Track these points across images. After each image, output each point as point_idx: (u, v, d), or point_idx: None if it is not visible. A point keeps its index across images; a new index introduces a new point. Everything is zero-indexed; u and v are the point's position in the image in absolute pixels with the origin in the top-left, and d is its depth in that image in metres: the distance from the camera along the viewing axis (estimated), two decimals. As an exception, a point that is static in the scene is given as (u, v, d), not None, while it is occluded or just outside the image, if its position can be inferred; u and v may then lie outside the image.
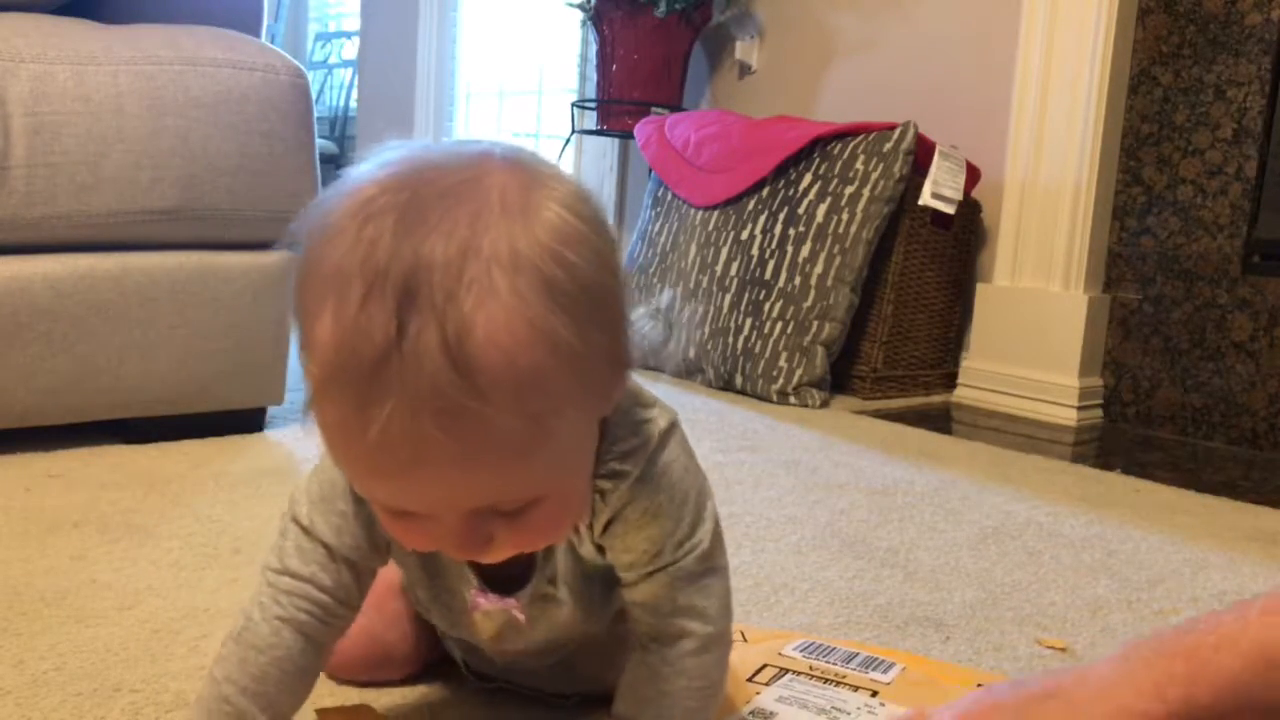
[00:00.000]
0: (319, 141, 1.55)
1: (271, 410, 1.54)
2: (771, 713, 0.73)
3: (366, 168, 0.48)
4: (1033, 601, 1.04)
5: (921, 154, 2.06)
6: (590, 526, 0.60)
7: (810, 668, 0.80)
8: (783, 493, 1.38)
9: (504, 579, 0.62)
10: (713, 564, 0.62)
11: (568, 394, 0.47)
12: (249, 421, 1.50)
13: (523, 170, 0.48)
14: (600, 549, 0.61)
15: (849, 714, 0.73)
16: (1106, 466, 1.68)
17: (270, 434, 1.51)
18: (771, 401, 2.01)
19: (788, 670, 0.79)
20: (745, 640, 0.85)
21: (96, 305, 1.33)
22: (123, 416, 1.40)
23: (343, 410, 0.45)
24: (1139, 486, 1.55)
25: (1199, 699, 0.49)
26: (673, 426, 0.61)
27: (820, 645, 0.84)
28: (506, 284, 0.44)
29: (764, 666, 0.79)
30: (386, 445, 0.44)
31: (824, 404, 2.01)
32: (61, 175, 1.29)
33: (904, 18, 2.39)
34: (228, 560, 1.02)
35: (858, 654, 0.83)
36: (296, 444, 1.47)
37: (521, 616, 0.63)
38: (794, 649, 0.83)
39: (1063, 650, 0.93)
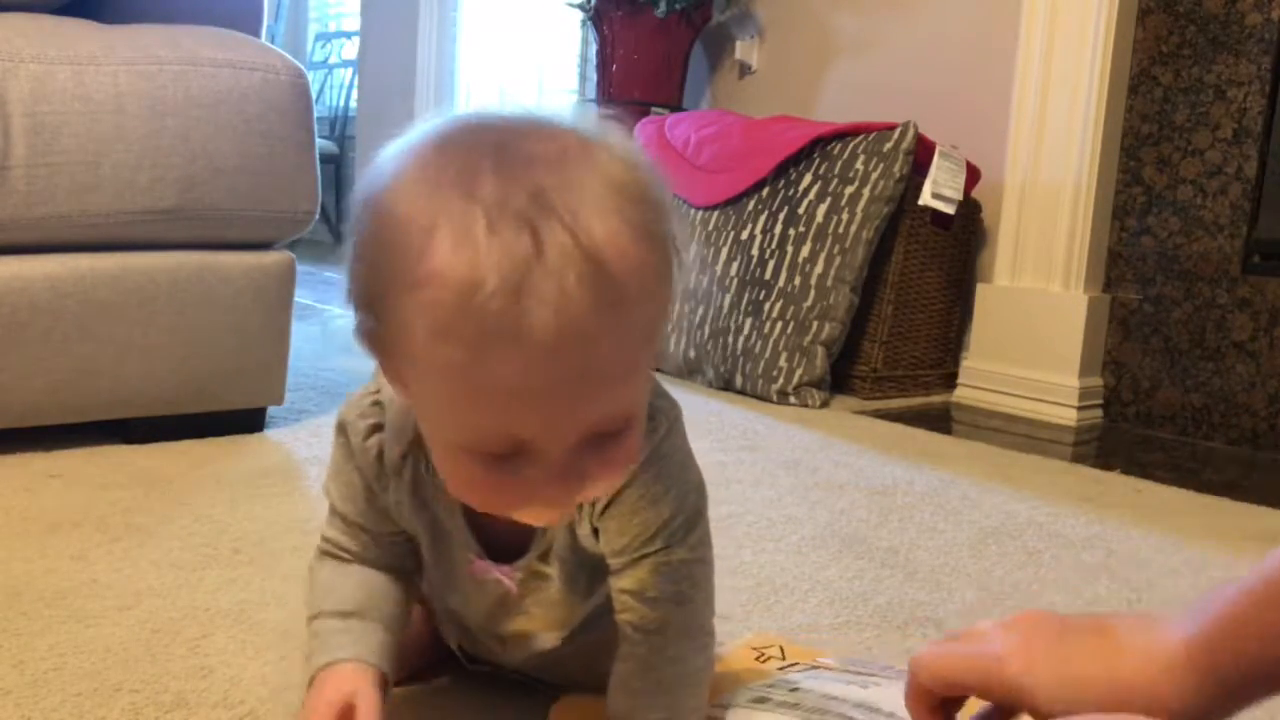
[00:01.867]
0: (319, 141, 1.55)
1: (271, 410, 1.54)
2: (797, 683, 0.72)
3: (430, 124, 0.50)
4: (1033, 601, 1.04)
5: (921, 154, 2.06)
6: (592, 505, 0.61)
7: (844, 669, 0.79)
8: (783, 493, 1.38)
9: (502, 552, 0.65)
10: (701, 556, 0.63)
11: (663, 311, 0.50)
12: (249, 421, 1.50)
13: (587, 126, 0.51)
14: (596, 532, 0.62)
15: (878, 682, 0.73)
16: (1106, 466, 1.68)
17: (270, 434, 1.51)
18: (771, 401, 2.01)
19: (822, 668, 0.78)
20: (784, 655, 0.84)
21: (96, 305, 1.33)
22: (123, 416, 1.40)
23: (485, 333, 0.45)
24: (1139, 486, 1.55)
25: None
26: (678, 419, 0.63)
27: (858, 660, 0.83)
28: (614, 204, 0.47)
29: (795, 663, 0.79)
30: (550, 355, 0.45)
31: (824, 404, 2.01)
32: (61, 175, 1.29)
33: (904, 18, 2.39)
34: (228, 560, 1.02)
35: (894, 667, 0.82)
36: (296, 444, 1.47)
37: (513, 585, 0.64)
38: (830, 660, 0.82)
39: (1063, 650, 0.93)
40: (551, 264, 0.44)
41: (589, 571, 0.65)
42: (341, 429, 0.65)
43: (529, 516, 0.54)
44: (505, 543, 0.64)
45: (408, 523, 0.65)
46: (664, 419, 0.61)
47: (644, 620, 0.62)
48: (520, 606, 0.66)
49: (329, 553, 0.68)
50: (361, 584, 0.66)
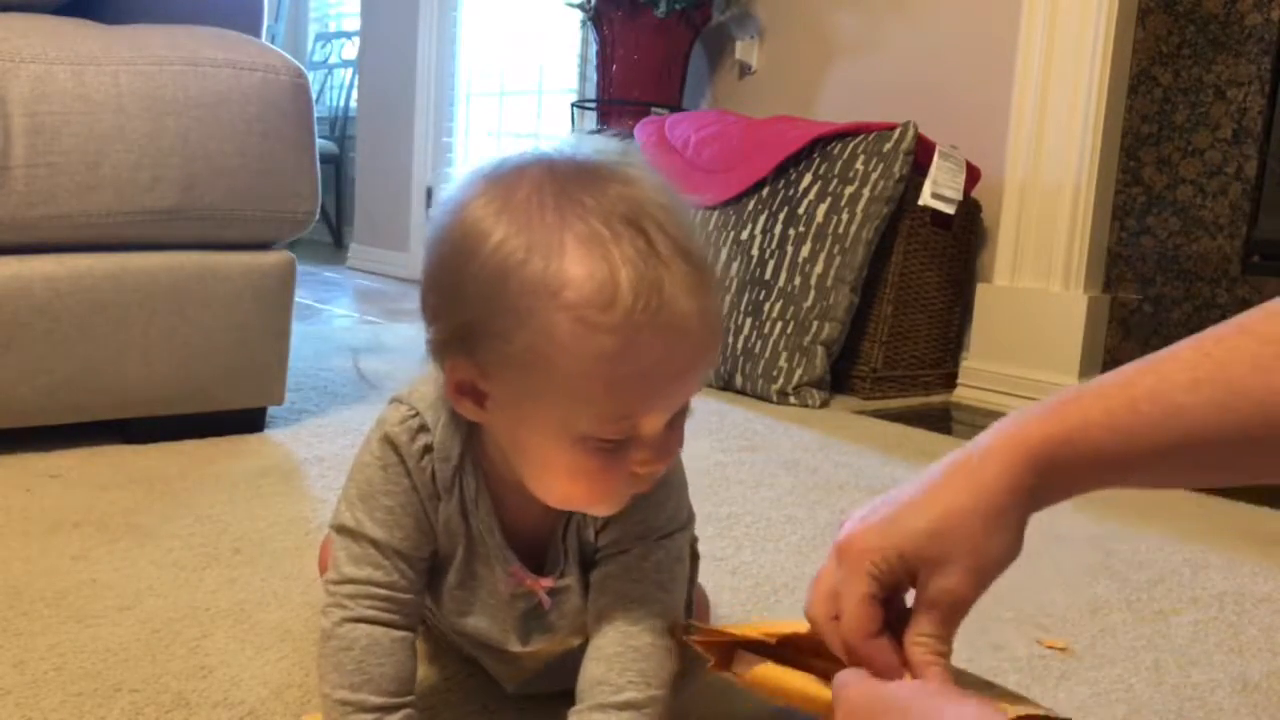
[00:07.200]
0: (319, 141, 1.55)
1: (271, 410, 1.54)
2: None
3: (483, 166, 0.58)
4: (1033, 601, 1.04)
5: (921, 154, 2.06)
6: None
7: None
8: (783, 493, 1.38)
9: (530, 563, 0.68)
10: (679, 557, 0.68)
11: None
12: (249, 421, 1.50)
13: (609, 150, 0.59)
14: (596, 535, 0.66)
15: None
16: (1106, 466, 1.67)
17: (270, 434, 1.51)
18: (771, 401, 2.01)
19: None
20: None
21: (96, 305, 1.33)
22: (123, 416, 1.40)
23: (633, 323, 0.52)
24: (1139, 486, 1.55)
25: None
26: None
27: None
28: (669, 211, 0.55)
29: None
30: (687, 335, 0.54)
31: (824, 404, 2.01)
32: (61, 175, 1.29)
33: (904, 18, 2.39)
34: (228, 560, 1.02)
35: None
36: (296, 444, 1.47)
37: (546, 597, 0.67)
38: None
39: (1063, 650, 0.93)
40: (666, 258, 0.53)
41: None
42: (393, 451, 0.65)
43: (603, 507, 0.62)
44: (528, 558, 0.67)
45: (446, 541, 0.67)
46: None
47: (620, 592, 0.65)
48: (545, 621, 0.69)
49: (362, 615, 0.64)
50: (398, 664, 0.64)
